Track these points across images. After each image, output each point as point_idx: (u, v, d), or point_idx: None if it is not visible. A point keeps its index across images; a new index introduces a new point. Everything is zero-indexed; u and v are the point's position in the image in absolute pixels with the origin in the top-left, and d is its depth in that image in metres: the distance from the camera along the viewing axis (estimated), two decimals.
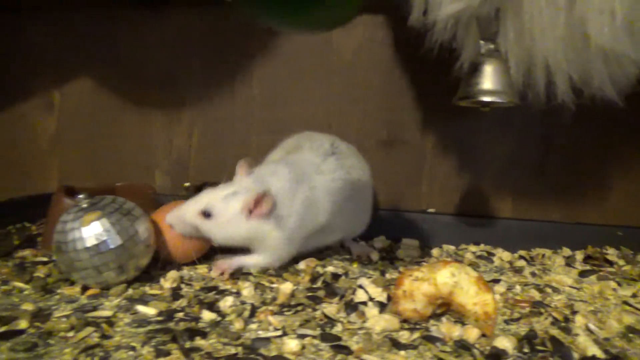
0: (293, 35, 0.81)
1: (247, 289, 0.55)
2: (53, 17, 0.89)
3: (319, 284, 0.58)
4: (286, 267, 0.64)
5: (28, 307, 0.47)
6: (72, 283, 0.54)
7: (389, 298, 0.52)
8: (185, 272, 0.61)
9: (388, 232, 0.80)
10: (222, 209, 0.59)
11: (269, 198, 0.58)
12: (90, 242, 0.50)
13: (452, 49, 0.55)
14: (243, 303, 0.51)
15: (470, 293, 0.45)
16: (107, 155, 0.91)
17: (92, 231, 0.50)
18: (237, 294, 0.54)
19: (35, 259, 0.63)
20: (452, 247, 0.78)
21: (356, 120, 0.83)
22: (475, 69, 0.47)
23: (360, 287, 0.54)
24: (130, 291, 0.53)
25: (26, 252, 0.65)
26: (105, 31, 0.88)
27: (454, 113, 0.80)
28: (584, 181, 0.80)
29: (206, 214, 0.59)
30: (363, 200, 0.71)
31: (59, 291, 0.53)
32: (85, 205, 0.52)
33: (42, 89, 0.92)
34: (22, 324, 0.44)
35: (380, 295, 0.53)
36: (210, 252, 0.64)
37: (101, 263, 0.51)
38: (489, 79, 0.46)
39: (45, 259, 0.63)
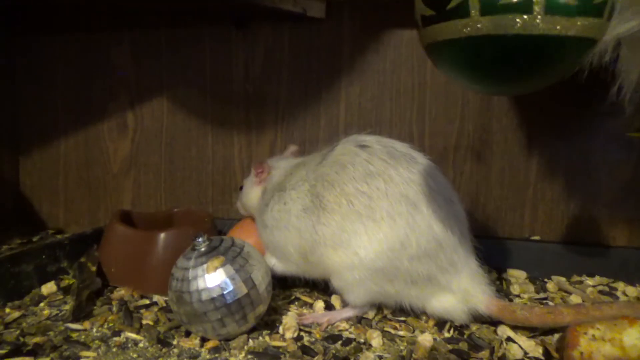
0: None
1: (375, 339, 0.50)
2: (135, 37, 0.86)
3: (450, 331, 0.52)
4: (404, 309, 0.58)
5: None
6: (187, 333, 0.50)
7: (547, 354, 0.46)
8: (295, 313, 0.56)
9: (488, 262, 0.74)
10: (246, 180, 0.67)
11: (266, 165, 0.63)
12: (216, 292, 0.46)
13: (612, 71, 0.50)
14: (381, 358, 0.46)
15: None
16: (183, 178, 0.88)
17: (217, 280, 0.46)
18: (366, 344, 0.49)
19: (137, 302, 0.58)
20: (562, 279, 0.71)
21: (453, 141, 0.77)
22: None
23: (510, 339, 0.48)
24: (251, 342, 0.49)
25: (122, 292, 0.61)
26: (188, 50, 0.84)
27: (564, 133, 0.74)
28: None
29: (240, 188, 0.68)
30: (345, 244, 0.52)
31: (174, 342, 0.48)
32: (204, 249, 0.48)
33: (118, 110, 0.88)
34: None
35: (534, 349, 0.47)
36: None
37: (226, 314, 0.46)
38: None
39: (146, 302, 0.58)
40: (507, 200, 0.77)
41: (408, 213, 0.50)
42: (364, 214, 0.51)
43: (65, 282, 0.62)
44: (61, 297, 0.58)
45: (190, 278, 0.46)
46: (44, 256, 0.61)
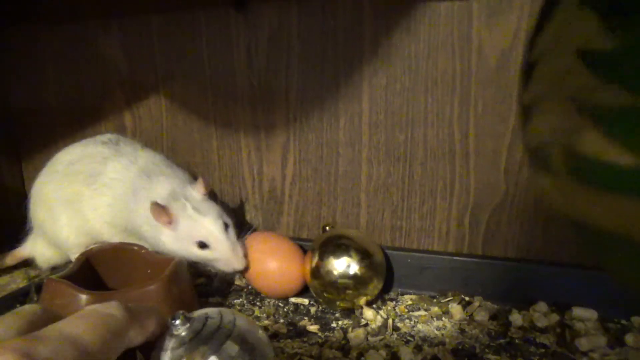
0: None
1: None
2: (125, 24, 0.74)
3: None
4: None
5: None
6: None
7: None
8: None
9: (549, 295, 0.60)
10: None
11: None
12: None
13: None
14: None
15: None
16: None
17: None
18: None
19: None
20: None
21: (505, 143, 0.61)
22: None
23: None
24: None
25: None
26: (182, 38, 0.72)
27: None
28: None
29: None
30: None
31: None
32: (184, 334, 0.37)
33: (114, 110, 0.78)
34: None
35: None
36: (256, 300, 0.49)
37: None
38: None
39: None
40: None
41: None
42: None
43: None
44: None
45: None
46: None
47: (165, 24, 0.72)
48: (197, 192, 0.61)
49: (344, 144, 0.68)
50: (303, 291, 0.64)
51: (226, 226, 0.60)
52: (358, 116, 0.66)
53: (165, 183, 0.61)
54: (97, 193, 0.65)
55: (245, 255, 0.61)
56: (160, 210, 0.58)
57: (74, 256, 0.66)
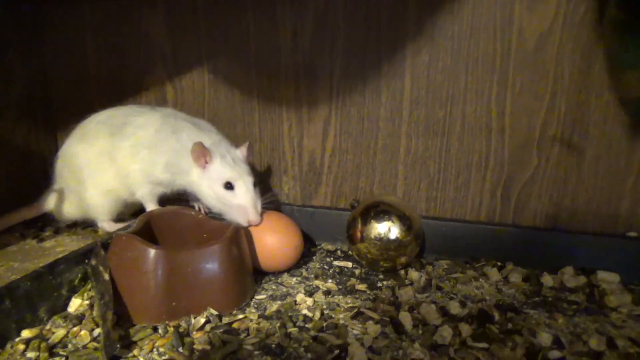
0: None
1: None
2: (171, 3, 0.76)
3: None
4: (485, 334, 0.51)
5: None
6: None
7: None
8: None
9: (575, 261, 0.65)
10: None
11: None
12: None
13: None
14: None
15: None
16: None
17: None
18: None
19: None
20: None
21: (539, 120, 0.66)
22: None
23: None
24: None
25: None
26: (228, 18, 0.74)
27: None
28: None
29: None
30: None
31: None
32: None
33: (156, 83, 0.81)
34: None
35: None
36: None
37: None
38: None
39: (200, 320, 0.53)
40: (602, 189, 0.66)
41: None
42: None
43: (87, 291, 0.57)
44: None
45: None
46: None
47: (212, 3, 0.75)
48: (240, 152, 0.65)
49: (385, 118, 0.71)
50: (346, 257, 0.68)
51: (255, 185, 0.63)
52: (400, 92, 0.70)
53: (215, 135, 0.66)
54: (121, 139, 0.68)
55: (261, 215, 0.62)
56: (202, 151, 0.61)
57: (98, 214, 0.72)
